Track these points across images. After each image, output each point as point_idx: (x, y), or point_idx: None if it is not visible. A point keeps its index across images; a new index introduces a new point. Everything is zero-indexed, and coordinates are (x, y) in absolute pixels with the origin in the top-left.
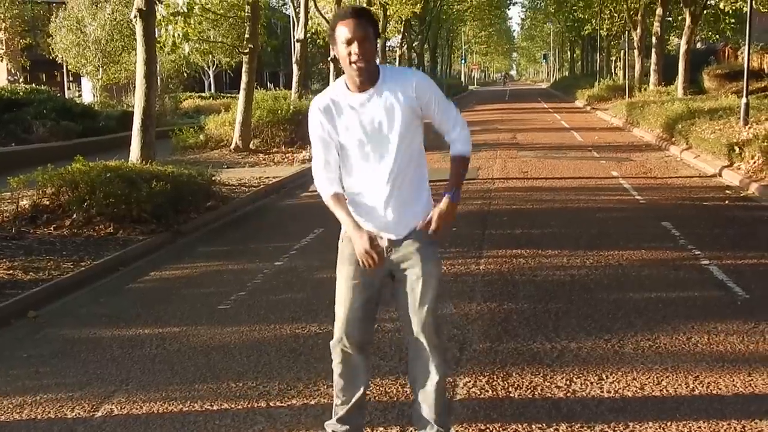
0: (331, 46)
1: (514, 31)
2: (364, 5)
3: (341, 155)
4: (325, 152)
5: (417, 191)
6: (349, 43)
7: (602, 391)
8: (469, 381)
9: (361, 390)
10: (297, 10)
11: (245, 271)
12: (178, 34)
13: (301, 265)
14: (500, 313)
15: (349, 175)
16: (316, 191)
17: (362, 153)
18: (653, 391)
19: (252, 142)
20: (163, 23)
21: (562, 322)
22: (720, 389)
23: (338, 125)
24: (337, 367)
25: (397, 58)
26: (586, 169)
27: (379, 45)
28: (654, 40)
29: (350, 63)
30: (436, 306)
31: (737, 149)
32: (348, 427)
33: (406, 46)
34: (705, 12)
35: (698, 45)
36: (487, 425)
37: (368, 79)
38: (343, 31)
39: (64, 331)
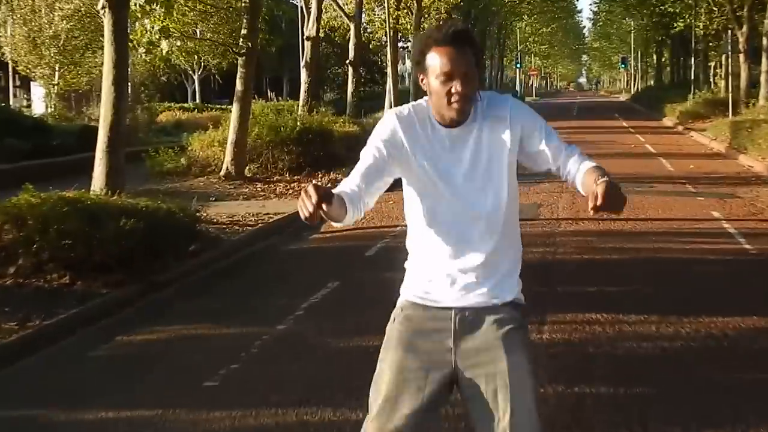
0: (412, 69)
1: (584, 27)
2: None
3: (412, 194)
4: (371, 162)
5: (511, 251)
6: (448, 78)
7: None
8: None
9: None
10: (308, 1)
11: (239, 336)
12: (156, 29)
13: (311, 330)
14: (570, 397)
15: (422, 222)
16: (329, 231)
17: (442, 199)
18: None
19: (248, 168)
20: (137, 15)
21: (652, 412)
22: None
23: (416, 151)
24: None
25: None
26: (679, 208)
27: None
28: (765, 41)
29: (449, 103)
30: (536, 417)
31: None
32: None
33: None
34: None
35: None
36: None
37: (465, 111)
38: (439, 63)
39: (4, 412)
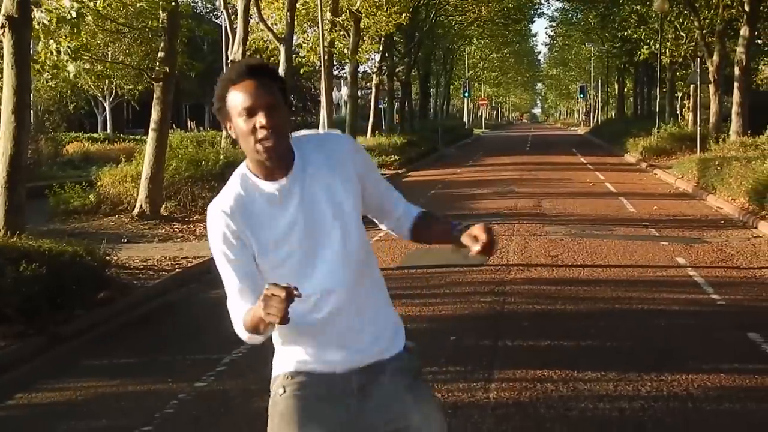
0: (221, 124)
1: (539, 53)
2: (322, 20)
3: (267, 270)
4: (241, 273)
5: (384, 294)
6: (250, 113)
7: None
8: None
9: None
10: (233, 21)
11: (153, 395)
12: (65, 49)
13: (234, 388)
14: None
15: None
16: None
17: (296, 264)
18: None
19: (164, 206)
20: (41, 36)
21: None
22: None
23: (255, 230)
24: None
25: (373, 89)
26: (641, 254)
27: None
28: (737, 70)
29: (256, 141)
30: None
31: None
32: None
33: (386, 72)
34: None
35: None
36: None
37: (283, 159)
38: (239, 99)
39: None
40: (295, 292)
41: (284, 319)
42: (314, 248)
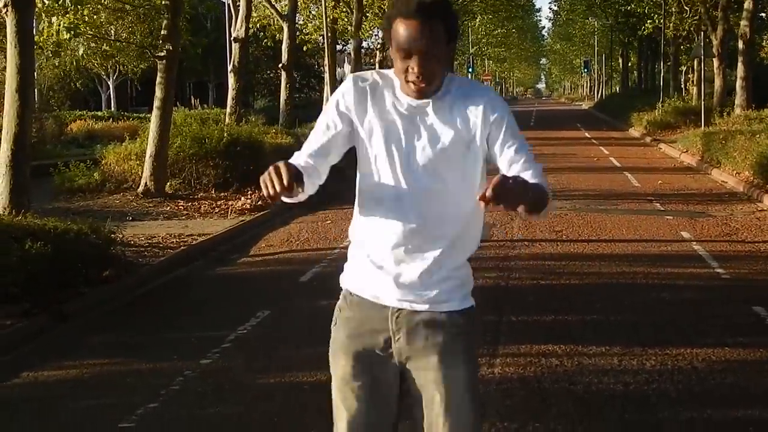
0: (384, 40)
1: (543, 28)
2: None
3: (364, 166)
4: (322, 137)
5: (458, 256)
6: (407, 55)
7: None
8: None
9: None
10: None
11: (157, 372)
12: (63, 27)
13: (239, 366)
14: None
15: (370, 198)
16: (259, 255)
17: (394, 170)
18: None
19: (169, 184)
20: (43, 14)
21: None
22: None
23: (371, 121)
24: None
25: (376, 65)
26: (646, 228)
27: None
28: (741, 44)
29: (406, 81)
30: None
31: None
32: None
33: (389, 48)
34: None
35: None
36: None
37: (425, 91)
38: (402, 35)
39: None
40: (294, 188)
41: (272, 200)
42: (414, 175)
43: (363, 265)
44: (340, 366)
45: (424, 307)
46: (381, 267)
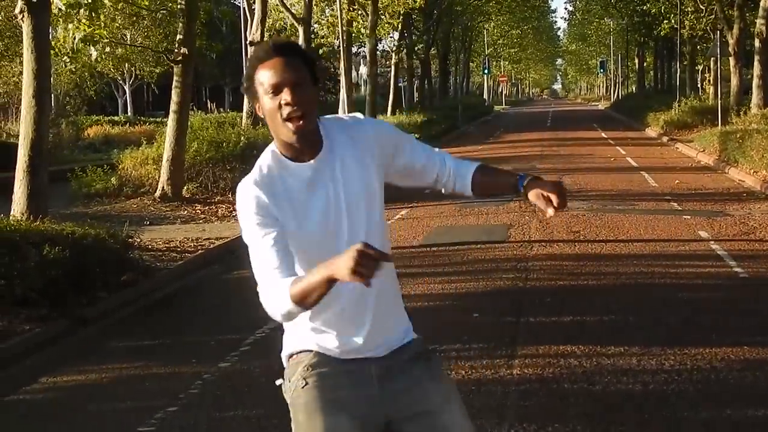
0: (251, 104)
1: (559, 29)
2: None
3: (296, 249)
4: (277, 245)
5: (396, 282)
6: (276, 90)
7: None
8: None
9: None
10: (251, 1)
11: (176, 376)
12: (80, 36)
13: (258, 368)
14: None
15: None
16: None
17: (322, 247)
18: None
19: (186, 188)
20: (60, 20)
21: None
22: None
23: (283, 209)
24: None
25: (392, 67)
26: (663, 228)
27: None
28: (757, 43)
29: (283, 120)
30: None
31: None
32: None
33: (405, 50)
34: None
35: None
36: None
37: (310, 140)
38: (266, 76)
39: None
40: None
41: (370, 278)
42: (341, 229)
43: (324, 329)
44: (327, 423)
45: (395, 345)
46: (341, 326)
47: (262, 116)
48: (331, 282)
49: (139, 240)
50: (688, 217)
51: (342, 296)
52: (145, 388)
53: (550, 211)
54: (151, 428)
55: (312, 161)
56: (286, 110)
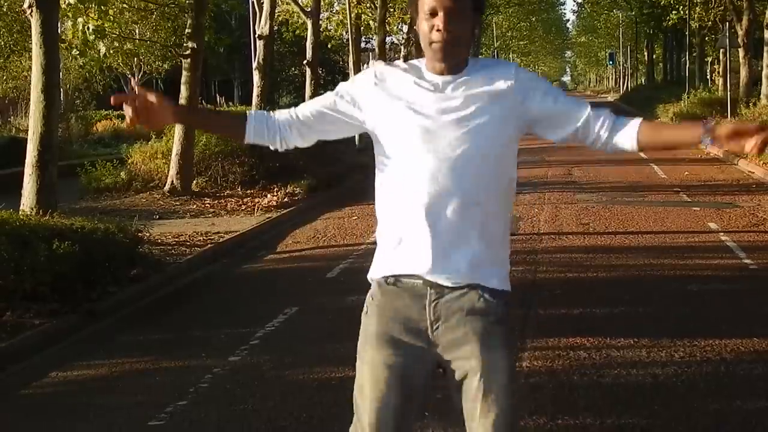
0: (410, 16)
1: (567, 21)
2: None
3: (386, 147)
4: (313, 104)
5: (497, 234)
6: (432, 14)
7: None
8: None
9: None
10: None
11: (187, 370)
12: (90, 29)
13: (267, 362)
14: (553, 431)
15: (396, 178)
16: (286, 252)
17: (422, 148)
18: None
19: (195, 182)
20: (68, 15)
21: None
22: None
23: (390, 100)
24: None
25: (402, 60)
26: (673, 220)
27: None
28: (766, 34)
29: (431, 42)
30: (511, 421)
31: None
32: None
33: (414, 43)
34: None
35: None
36: None
37: (453, 63)
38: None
39: None
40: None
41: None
42: (443, 146)
43: (395, 247)
44: (369, 353)
45: (461, 281)
46: (416, 243)
47: (418, 29)
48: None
49: (148, 234)
50: (698, 208)
51: (420, 211)
52: (155, 382)
53: (749, 145)
54: (161, 422)
55: (448, 77)
56: (435, 35)
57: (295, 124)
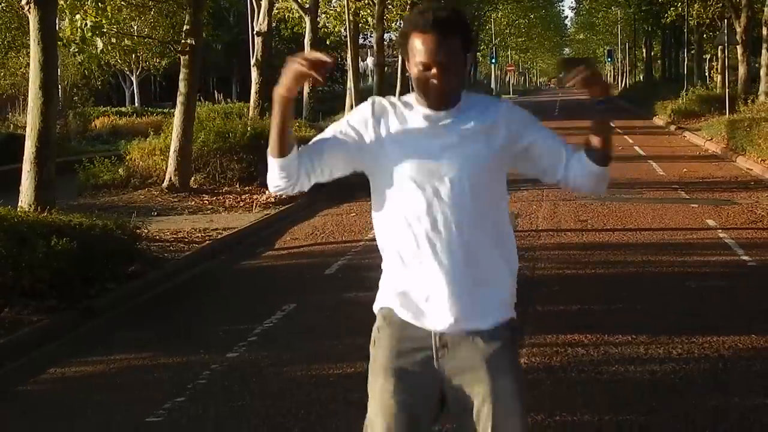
0: (400, 55)
1: (566, 17)
2: None
3: (385, 186)
4: (322, 142)
5: (498, 267)
6: (426, 68)
7: None
8: None
9: None
10: None
11: (185, 366)
12: (87, 25)
13: (266, 359)
14: (550, 428)
15: (393, 213)
16: (284, 248)
17: (421, 185)
18: None
19: (193, 179)
20: (66, 11)
21: None
22: None
23: (390, 137)
24: None
25: (399, 57)
26: (671, 217)
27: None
28: (765, 31)
29: (425, 91)
30: None
31: None
32: None
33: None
34: None
35: None
36: None
37: (446, 101)
38: (419, 49)
39: None
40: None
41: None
42: (440, 181)
43: (401, 287)
44: (379, 384)
45: (471, 326)
46: (414, 287)
47: (408, 70)
48: (282, 98)
49: (146, 231)
50: (696, 205)
51: (409, 248)
52: (153, 378)
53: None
54: (159, 419)
55: (441, 112)
56: (431, 86)
57: (309, 168)
